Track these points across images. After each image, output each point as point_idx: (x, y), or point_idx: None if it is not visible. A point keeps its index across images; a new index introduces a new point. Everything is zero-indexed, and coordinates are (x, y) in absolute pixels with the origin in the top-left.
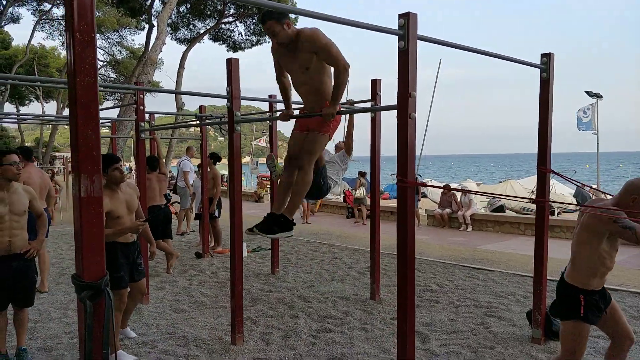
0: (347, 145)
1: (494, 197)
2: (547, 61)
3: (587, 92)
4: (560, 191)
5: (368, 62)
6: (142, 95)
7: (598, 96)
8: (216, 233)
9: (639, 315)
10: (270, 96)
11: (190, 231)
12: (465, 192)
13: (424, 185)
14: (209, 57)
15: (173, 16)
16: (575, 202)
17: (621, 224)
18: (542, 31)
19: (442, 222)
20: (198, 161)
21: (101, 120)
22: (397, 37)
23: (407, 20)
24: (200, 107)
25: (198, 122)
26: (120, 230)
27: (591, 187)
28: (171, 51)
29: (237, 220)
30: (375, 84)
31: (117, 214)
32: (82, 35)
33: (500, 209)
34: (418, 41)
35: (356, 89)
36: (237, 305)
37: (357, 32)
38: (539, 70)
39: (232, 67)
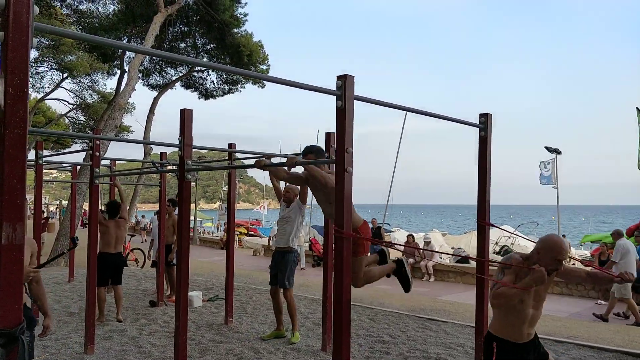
0: (302, 194)
1: (433, 253)
2: (485, 121)
3: (546, 148)
4: (524, 244)
5: (324, 113)
6: (98, 142)
7: (557, 151)
8: (172, 281)
9: None
10: (230, 145)
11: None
12: (406, 247)
13: (359, 237)
14: (180, 103)
15: (145, 62)
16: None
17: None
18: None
19: None
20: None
21: (63, 164)
22: (335, 97)
23: (344, 82)
24: (162, 154)
25: (155, 169)
26: None
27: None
28: (143, 96)
29: (184, 268)
30: (329, 137)
31: None
32: (14, 90)
33: (465, 260)
34: (358, 101)
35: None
36: (181, 356)
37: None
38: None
39: (185, 117)
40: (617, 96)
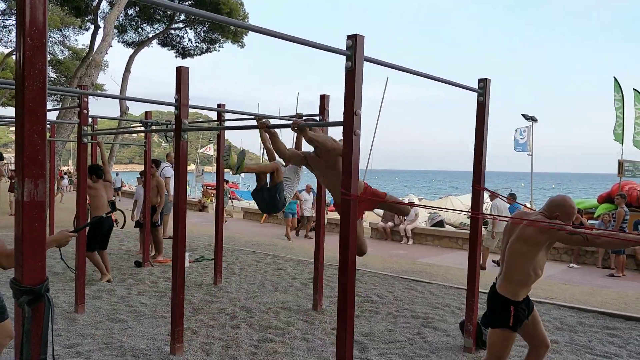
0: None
1: (435, 210)
2: (483, 86)
3: (523, 115)
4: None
5: (318, 75)
6: (86, 99)
7: (533, 119)
8: (157, 242)
9: (562, 326)
10: (219, 105)
11: (168, 237)
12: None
13: (368, 199)
14: (156, 61)
15: (120, 18)
16: (509, 216)
17: (568, 230)
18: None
19: (384, 235)
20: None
21: None
22: (344, 57)
23: (354, 42)
24: (146, 113)
25: (143, 128)
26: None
27: (525, 205)
28: (117, 54)
29: (181, 229)
30: (323, 99)
31: None
32: (32, 40)
33: (440, 224)
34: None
35: (306, 103)
36: (178, 314)
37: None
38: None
39: (181, 75)
40: (597, 69)
